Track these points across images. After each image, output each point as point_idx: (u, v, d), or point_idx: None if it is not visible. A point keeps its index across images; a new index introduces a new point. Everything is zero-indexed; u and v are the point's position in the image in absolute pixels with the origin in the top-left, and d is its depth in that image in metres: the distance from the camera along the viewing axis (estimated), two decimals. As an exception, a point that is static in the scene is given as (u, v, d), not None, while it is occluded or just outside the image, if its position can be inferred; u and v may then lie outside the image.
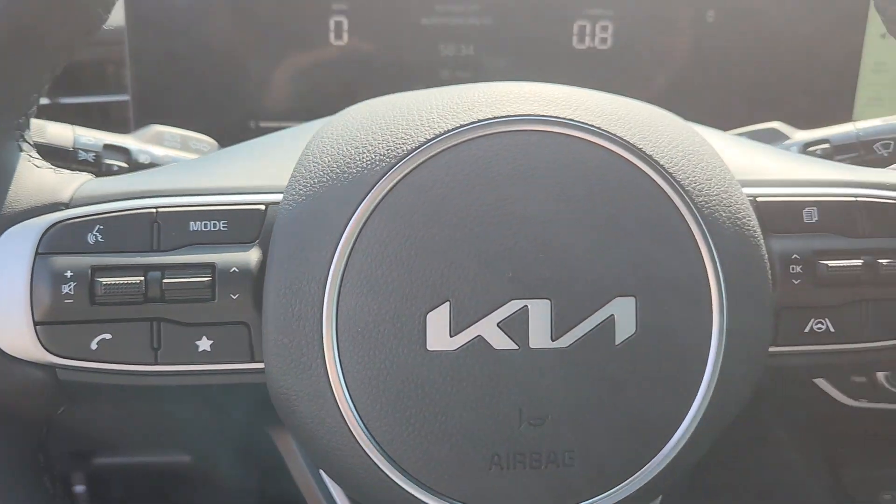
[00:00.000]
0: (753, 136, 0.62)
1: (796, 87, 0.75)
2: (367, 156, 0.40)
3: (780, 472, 0.87)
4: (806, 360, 0.43)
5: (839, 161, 0.58)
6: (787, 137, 0.60)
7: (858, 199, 0.43)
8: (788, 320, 0.43)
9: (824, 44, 0.75)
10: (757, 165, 0.45)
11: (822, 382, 0.75)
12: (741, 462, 0.87)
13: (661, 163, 0.40)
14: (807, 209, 0.43)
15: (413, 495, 0.39)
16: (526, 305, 0.39)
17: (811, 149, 0.58)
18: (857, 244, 0.43)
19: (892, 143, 0.56)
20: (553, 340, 0.39)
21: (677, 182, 0.40)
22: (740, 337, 0.40)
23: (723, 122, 0.66)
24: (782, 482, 0.85)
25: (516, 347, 0.39)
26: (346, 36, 0.72)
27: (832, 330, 0.43)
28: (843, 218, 0.43)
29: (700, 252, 0.40)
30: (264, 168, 0.44)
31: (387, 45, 0.72)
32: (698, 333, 0.40)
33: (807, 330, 0.43)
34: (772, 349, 0.43)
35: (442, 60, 0.73)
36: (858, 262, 0.42)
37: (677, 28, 0.74)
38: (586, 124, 0.40)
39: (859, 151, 0.57)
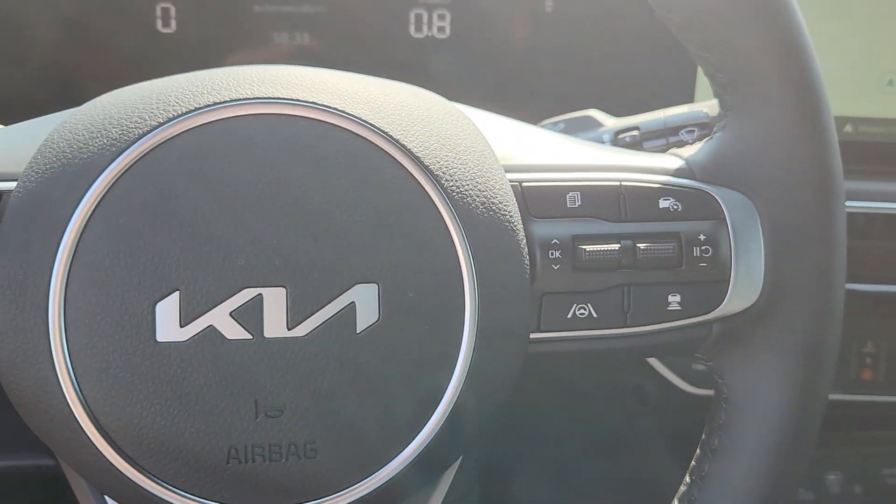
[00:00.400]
0: (569, 123, 0.61)
1: (636, 76, 0.75)
2: (99, 140, 0.38)
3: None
4: (571, 345, 0.43)
5: (647, 148, 0.58)
6: (600, 125, 0.60)
7: (622, 183, 0.43)
8: (551, 306, 0.42)
9: (664, 33, 0.75)
10: (527, 151, 0.45)
11: (666, 372, 0.76)
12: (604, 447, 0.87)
13: (409, 146, 0.39)
14: (570, 194, 0.43)
15: (150, 492, 0.38)
16: (260, 294, 0.37)
17: (621, 136, 0.58)
18: (616, 228, 0.42)
19: (696, 129, 0.57)
20: (290, 329, 0.38)
21: (426, 166, 0.39)
22: (494, 324, 0.40)
23: (562, 110, 0.66)
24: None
25: (250, 337, 0.37)
26: (174, 23, 0.70)
27: (595, 315, 0.42)
28: (604, 202, 0.43)
29: (451, 237, 0.39)
30: (6, 155, 0.42)
31: (217, 33, 0.70)
32: (449, 321, 0.39)
33: (570, 315, 0.42)
34: (535, 335, 0.42)
35: (275, 48, 0.71)
36: (616, 246, 0.42)
37: (516, 17, 0.74)
38: (323, 106, 0.39)
39: (666, 138, 0.57)
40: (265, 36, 0.71)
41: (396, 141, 0.39)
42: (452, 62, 0.72)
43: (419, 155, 0.39)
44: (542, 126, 0.63)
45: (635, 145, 0.58)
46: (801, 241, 0.43)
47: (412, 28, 0.72)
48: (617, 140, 0.59)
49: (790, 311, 0.43)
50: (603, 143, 0.59)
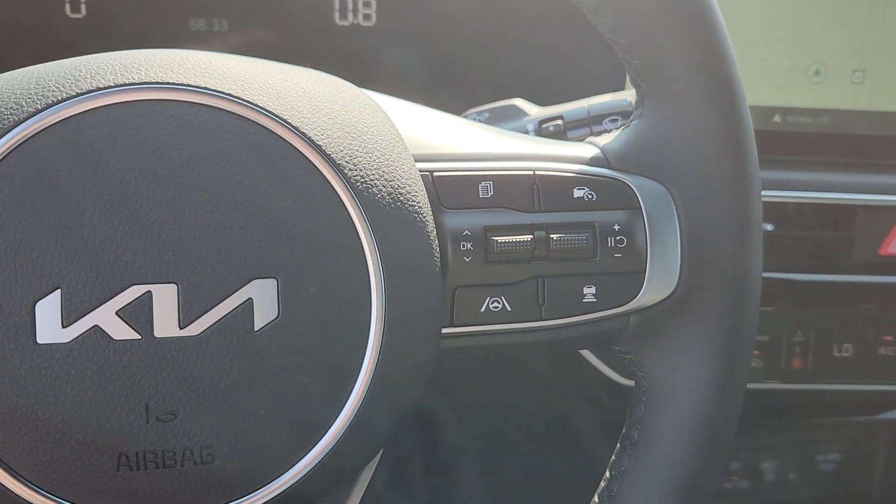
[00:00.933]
0: (493, 112, 0.60)
1: (567, 65, 0.74)
2: None
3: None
4: (485, 340, 0.42)
5: (571, 137, 0.57)
6: (525, 114, 0.59)
7: (535, 172, 0.42)
8: (464, 300, 0.41)
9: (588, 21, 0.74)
10: (439, 139, 0.43)
11: (599, 364, 0.76)
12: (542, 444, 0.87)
13: (310, 134, 0.37)
14: (483, 184, 0.41)
15: None
16: (149, 291, 0.35)
17: (545, 125, 0.57)
18: (529, 219, 0.41)
19: (619, 118, 0.56)
20: (182, 328, 0.35)
21: (328, 155, 0.37)
22: (404, 319, 0.38)
23: (491, 99, 0.64)
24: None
25: (139, 337, 0.35)
26: (84, 8, 0.67)
27: (509, 308, 0.41)
28: (517, 192, 0.41)
29: (355, 229, 0.38)
30: None
31: (130, 18, 0.67)
32: (355, 317, 0.37)
33: (483, 309, 0.41)
34: (448, 330, 0.41)
35: (192, 35, 0.68)
36: (529, 237, 0.41)
37: (444, 5, 0.72)
38: (216, 91, 0.37)
39: (590, 127, 0.56)
40: (181, 22, 0.68)
41: (296, 129, 0.37)
42: (378, 51, 0.71)
43: (321, 143, 0.38)
44: (467, 115, 0.62)
45: (559, 135, 0.57)
46: (716, 229, 0.42)
47: (336, 15, 0.70)
48: (541, 129, 0.57)
49: (707, 301, 0.42)
50: (527, 132, 0.58)
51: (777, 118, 0.77)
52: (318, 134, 0.38)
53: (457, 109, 0.64)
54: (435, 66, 0.73)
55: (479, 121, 0.60)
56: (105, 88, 0.36)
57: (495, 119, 0.60)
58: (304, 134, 0.37)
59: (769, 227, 0.73)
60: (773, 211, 0.74)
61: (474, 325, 0.41)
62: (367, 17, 0.71)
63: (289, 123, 0.37)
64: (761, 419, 0.91)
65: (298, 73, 0.41)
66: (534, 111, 0.59)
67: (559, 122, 0.57)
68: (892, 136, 0.78)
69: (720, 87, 0.42)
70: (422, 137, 0.43)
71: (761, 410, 0.92)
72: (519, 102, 0.60)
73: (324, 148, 0.38)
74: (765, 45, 0.75)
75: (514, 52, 0.73)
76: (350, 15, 0.70)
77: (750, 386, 0.76)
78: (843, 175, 0.76)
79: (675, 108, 0.42)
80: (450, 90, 0.72)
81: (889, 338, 0.76)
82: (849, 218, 0.75)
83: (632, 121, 0.45)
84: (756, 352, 0.74)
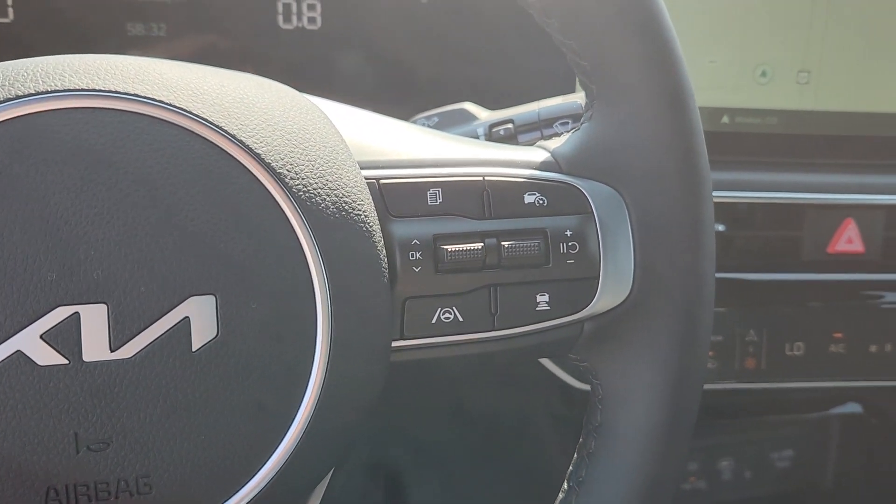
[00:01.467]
0: (443, 117, 0.59)
1: (518, 67, 0.73)
2: None
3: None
4: (437, 352, 0.40)
5: (522, 141, 0.56)
6: (475, 118, 0.58)
7: (485, 178, 0.41)
8: (414, 311, 0.39)
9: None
10: (386, 146, 0.42)
11: (555, 369, 0.75)
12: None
13: (248, 142, 0.36)
14: (431, 190, 0.40)
15: None
16: (76, 312, 0.33)
17: (496, 129, 0.56)
18: (480, 226, 0.40)
19: (570, 121, 0.55)
20: (113, 351, 0.33)
21: (267, 163, 0.36)
22: (351, 333, 0.37)
23: (440, 104, 0.63)
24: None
25: (66, 362, 0.33)
26: (10, 12, 0.64)
27: (461, 319, 0.40)
28: (467, 199, 0.40)
29: (298, 241, 0.36)
30: None
31: (61, 23, 0.64)
32: (299, 333, 0.36)
33: (434, 320, 0.40)
34: (398, 343, 0.39)
35: (130, 41, 0.66)
36: (479, 245, 0.39)
37: (391, 7, 0.71)
38: (147, 98, 0.35)
39: (541, 130, 0.56)
40: (118, 26, 0.65)
41: (233, 137, 0.35)
42: (325, 55, 0.69)
43: (260, 151, 0.36)
44: (415, 120, 0.61)
45: (509, 139, 0.56)
46: (668, 232, 0.41)
47: (280, 18, 0.68)
48: (491, 133, 0.56)
49: (661, 305, 0.42)
50: (477, 136, 0.57)
51: (725, 119, 0.78)
52: (257, 142, 0.36)
53: (406, 114, 0.63)
54: (383, 70, 0.71)
55: (429, 125, 0.59)
56: (25, 97, 0.33)
57: (445, 123, 0.59)
58: (241, 142, 0.36)
59: (720, 227, 0.73)
60: (724, 211, 0.74)
61: (425, 336, 0.40)
62: (311, 20, 0.69)
63: (225, 131, 0.35)
64: (717, 419, 0.92)
65: (236, 79, 0.39)
66: (483, 115, 0.58)
67: (509, 125, 0.56)
68: (837, 136, 0.78)
69: (669, 88, 0.41)
70: (367, 144, 0.41)
71: (717, 410, 0.93)
72: (468, 106, 0.59)
73: (263, 157, 0.36)
74: (712, 46, 0.75)
75: (463, 55, 0.72)
76: (294, 18, 0.68)
77: (706, 387, 0.77)
78: (792, 175, 0.77)
79: (625, 109, 0.42)
80: (398, 94, 0.71)
81: (839, 335, 0.76)
82: (798, 217, 0.75)
83: (582, 123, 0.44)
84: (710, 352, 0.74)
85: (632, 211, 0.41)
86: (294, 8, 0.68)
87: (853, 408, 0.99)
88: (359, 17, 0.70)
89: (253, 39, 0.68)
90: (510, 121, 0.56)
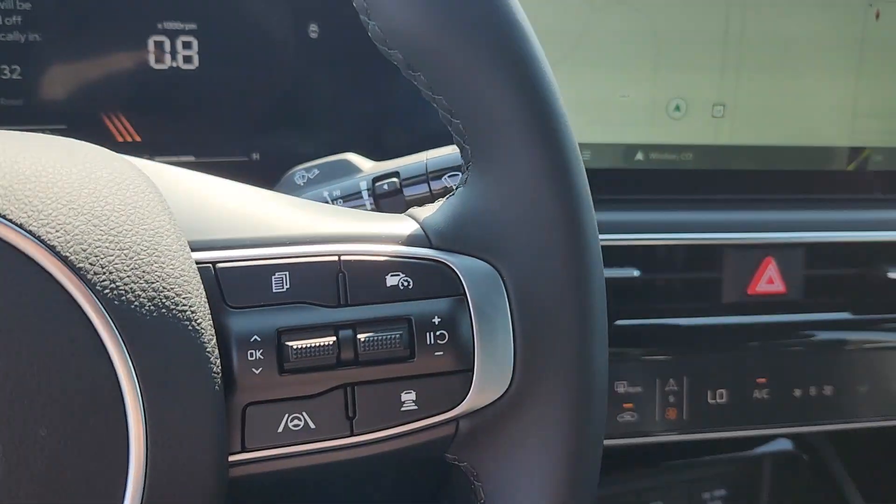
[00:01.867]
0: (323, 169, 0.54)
1: (414, 112, 0.68)
2: None
3: None
4: (284, 463, 0.35)
5: (408, 196, 0.51)
6: (359, 170, 0.53)
7: (341, 258, 0.35)
8: (256, 419, 0.34)
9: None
10: (227, 220, 0.36)
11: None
12: None
13: (38, 231, 0.30)
14: (277, 275, 0.35)
15: None
16: None
17: (380, 183, 0.51)
18: (332, 316, 0.34)
19: (459, 173, 0.50)
20: None
21: (64, 257, 0.30)
22: (173, 453, 0.31)
23: (328, 152, 0.58)
24: None
25: None
26: None
27: (312, 426, 0.34)
28: (319, 283, 0.35)
29: (104, 348, 0.30)
30: None
31: None
32: (106, 462, 0.30)
33: (281, 429, 0.34)
34: (239, 456, 0.34)
35: (-24, 86, 0.59)
36: (332, 339, 0.34)
37: (277, 45, 0.65)
38: None
39: (429, 183, 0.51)
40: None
41: (20, 226, 0.29)
42: (202, 98, 0.63)
43: (55, 243, 0.30)
44: (293, 173, 0.55)
45: (395, 193, 0.51)
46: (553, 313, 0.36)
47: (151, 58, 0.62)
48: (375, 188, 0.51)
49: (547, 396, 0.37)
50: (359, 191, 0.52)
51: (640, 156, 0.74)
52: (52, 231, 0.30)
53: (287, 164, 0.57)
54: (267, 115, 0.65)
55: (308, 178, 0.54)
56: None
57: (326, 176, 0.53)
58: (31, 232, 0.30)
59: (635, 272, 0.69)
60: (639, 255, 0.70)
61: (270, 447, 0.34)
62: (188, 59, 0.63)
63: (10, 220, 0.29)
64: (644, 465, 0.88)
65: (37, 148, 0.33)
66: (367, 166, 0.53)
67: (395, 179, 0.51)
68: (754, 171, 0.76)
69: (550, 149, 0.36)
70: (203, 219, 0.36)
71: (644, 456, 0.89)
72: (351, 157, 0.54)
73: (59, 249, 0.30)
74: (623, 81, 0.72)
75: (348, 101, 0.67)
76: (168, 58, 0.62)
77: (626, 441, 0.72)
78: (709, 213, 0.73)
79: (503, 174, 0.37)
80: (281, 143, 0.65)
81: (762, 380, 0.73)
82: (717, 258, 0.72)
83: (457, 188, 0.39)
84: (629, 405, 0.70)
85: (511, 291, 0.36)
86: (167, 46, 0.62)
87: (784, 444, 0.97)
88: (242, 54, 0.64)
89: (119, 83, 0.61)
90: (396, 173, 0.51)
